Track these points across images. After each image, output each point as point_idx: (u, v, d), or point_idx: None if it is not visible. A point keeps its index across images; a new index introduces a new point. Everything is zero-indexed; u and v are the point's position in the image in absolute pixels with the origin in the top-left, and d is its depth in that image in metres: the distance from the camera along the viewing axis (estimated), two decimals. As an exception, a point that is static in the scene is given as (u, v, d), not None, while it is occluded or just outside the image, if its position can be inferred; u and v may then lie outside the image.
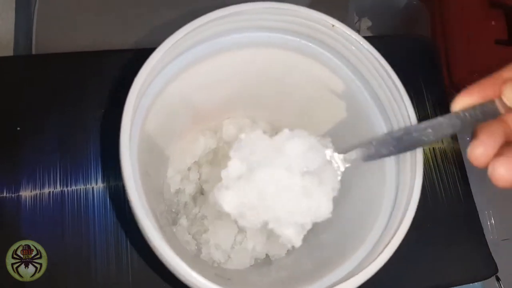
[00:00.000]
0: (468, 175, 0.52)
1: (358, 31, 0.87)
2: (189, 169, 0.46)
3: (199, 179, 0.46)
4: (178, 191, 0.45)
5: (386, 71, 0.33)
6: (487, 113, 0.29)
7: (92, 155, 0.45)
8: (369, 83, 0.35)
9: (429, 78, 0.57)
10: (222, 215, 0.42)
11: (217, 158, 0.46)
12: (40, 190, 0.43)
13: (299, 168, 0.30)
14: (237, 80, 0.39)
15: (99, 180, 0.44)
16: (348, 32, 0.32)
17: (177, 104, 0.37)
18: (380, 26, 0.88)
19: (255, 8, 0.32)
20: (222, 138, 0.46)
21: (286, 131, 0.31)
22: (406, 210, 0.33)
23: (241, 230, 0.43)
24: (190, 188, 0.45)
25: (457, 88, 0.79)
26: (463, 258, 0.49)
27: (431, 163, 0.52)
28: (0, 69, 0.46)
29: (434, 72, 0.58)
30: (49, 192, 0.43)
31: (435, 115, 0.55)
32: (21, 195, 0.43)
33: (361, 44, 0.33)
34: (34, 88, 0.46)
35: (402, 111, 0.33)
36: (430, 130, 0.30)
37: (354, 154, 0.31)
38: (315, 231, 0.43)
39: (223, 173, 0.30)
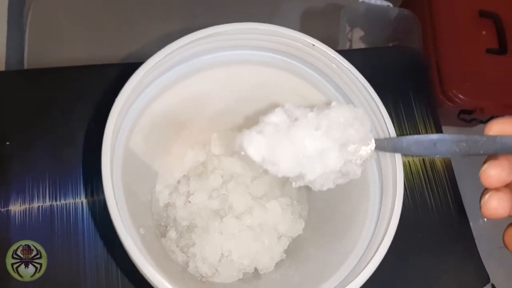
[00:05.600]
0: (460, 183, 0.52)
1: (350, 41, 0.88)
2: (178, 182, 0.46)
3: (188, 192, 0.46)
4: (167, 205, 0.45)
5: (365, 87, 0.34)
6: None
7: (81, 169, 0.45)
8: (350, 100, 0.36)
9: (419, 89, 0.58)
10: (209, 228, 0.42)
11: (206, 171, 0.46)
12: (30, 205, 0.44)
13: (337, 136, 0.31)
14: (222, 96, 0.39)
15: (89, 194, 0.45)
16: (328, 51, 0.33)
17: (162, 121, 0.37)
18: (372, 36, 0.88)
19: (237, 28, 0.32)
20: (211, 151, 0.46)
21: (334, 102, 0.32)
22: (389, 223, 0.33)
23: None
24: (180, 201, 0.45)
25: (448, 98, 0.80)
26: (455, 268, 0.49)
27: (421, 174, 0.52)
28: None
29: (424, 83, 0.59)
30: (38, 206, 0.44)
31: (424, 125, 0.56)
32: (10, 210, 0.43)
33: (341, 63, 0.33)
34: (24, 103, 0.47)
35: (383, 127, 0.34)
36: (464, 144, 0.29)
37: (385, 142, 0.33)
38: (302, 246, 0.44)
39: (263, 118, 0.32)
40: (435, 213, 0.51)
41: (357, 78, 0.33)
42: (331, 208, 0.41)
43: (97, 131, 0.46)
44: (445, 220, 0.51)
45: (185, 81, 0.37)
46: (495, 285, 0.59)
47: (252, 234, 0.42)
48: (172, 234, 0.44)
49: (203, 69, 0.36)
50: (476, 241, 0.50)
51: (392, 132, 0.33)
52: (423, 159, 0.52)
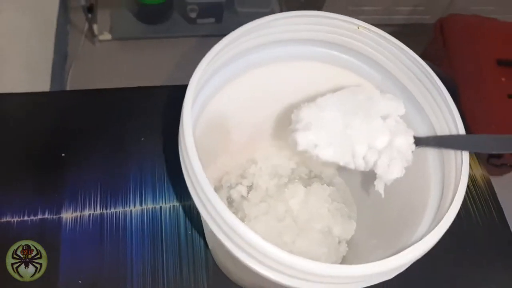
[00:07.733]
0: (501, 199, 0.52)
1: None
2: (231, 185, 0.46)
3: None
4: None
5: (417, 61, 0.35)
6: None
7: (131, 180, 0.47)
8: (399, 81, 0.37)
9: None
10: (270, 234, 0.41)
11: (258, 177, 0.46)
12: (81, 212, 0.44)
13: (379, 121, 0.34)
14: (269, 95, 0.41)
15: (137, 203, 0.46)
16: (373, 29, 0.35)
17: (214, 125, 0.38)
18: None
19: (284, 16, 0.34)
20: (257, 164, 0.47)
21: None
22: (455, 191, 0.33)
23: None
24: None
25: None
26: (498, 282, 0.48)
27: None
28: (52, 102, 0.51)
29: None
30: (89, 214, 0.44)
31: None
32: (62, 217, 0.44)
33: (387, 38, 0.34)
34: (79, 119, 0.50)
35: (442, 107, 0.35)
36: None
37: (427, 139, 0.35)
38: (357, 246, 0.43)
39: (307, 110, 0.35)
40: (480, 226, 0.51)
41: (407, 52, 0.34)
42: (380, 204, 0.40)
43: (146, 145, 0.49)
44: (489, 234, 0.51)
45: (232, 82, 0.38)
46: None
47: (315, 239, 0.41)
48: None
49: (248, 69, 0.38)
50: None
51: (450, 100, 0.34)
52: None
